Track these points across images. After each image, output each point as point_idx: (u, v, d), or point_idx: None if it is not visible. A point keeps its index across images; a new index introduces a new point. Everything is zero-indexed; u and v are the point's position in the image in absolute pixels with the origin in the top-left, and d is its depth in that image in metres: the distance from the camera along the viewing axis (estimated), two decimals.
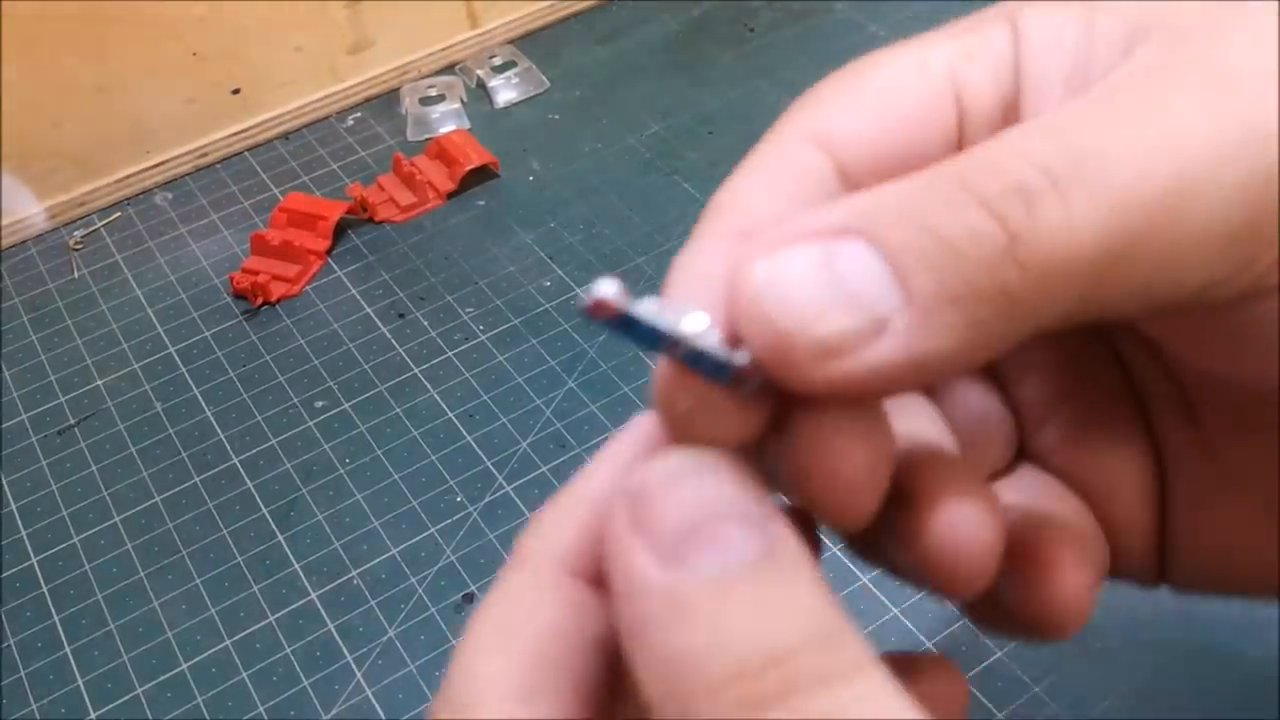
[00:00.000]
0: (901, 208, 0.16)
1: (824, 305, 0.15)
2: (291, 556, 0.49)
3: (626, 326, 0.16)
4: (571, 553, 0.18)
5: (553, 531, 0.19)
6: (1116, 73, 0.16)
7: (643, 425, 0.19)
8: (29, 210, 0.66)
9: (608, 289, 0.15)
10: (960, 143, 0.19)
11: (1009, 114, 0.19)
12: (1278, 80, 0.15)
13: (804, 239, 0.16)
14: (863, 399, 0.17)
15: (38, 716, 0.44)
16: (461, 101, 0.73)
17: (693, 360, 0.16)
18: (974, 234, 0.15)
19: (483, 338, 0.58)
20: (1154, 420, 0.22)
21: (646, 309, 0.16)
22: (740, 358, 0.16)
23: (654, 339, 0.16)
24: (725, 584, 0.15)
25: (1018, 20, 0.19)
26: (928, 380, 0.16)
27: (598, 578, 0.18)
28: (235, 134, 0.71)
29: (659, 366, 0.17)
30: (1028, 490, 0.21)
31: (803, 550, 0.15)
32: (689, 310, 0.16)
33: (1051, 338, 0.21)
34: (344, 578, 0.48)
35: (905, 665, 0.21)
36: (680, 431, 0.17)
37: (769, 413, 0.17)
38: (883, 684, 0.14)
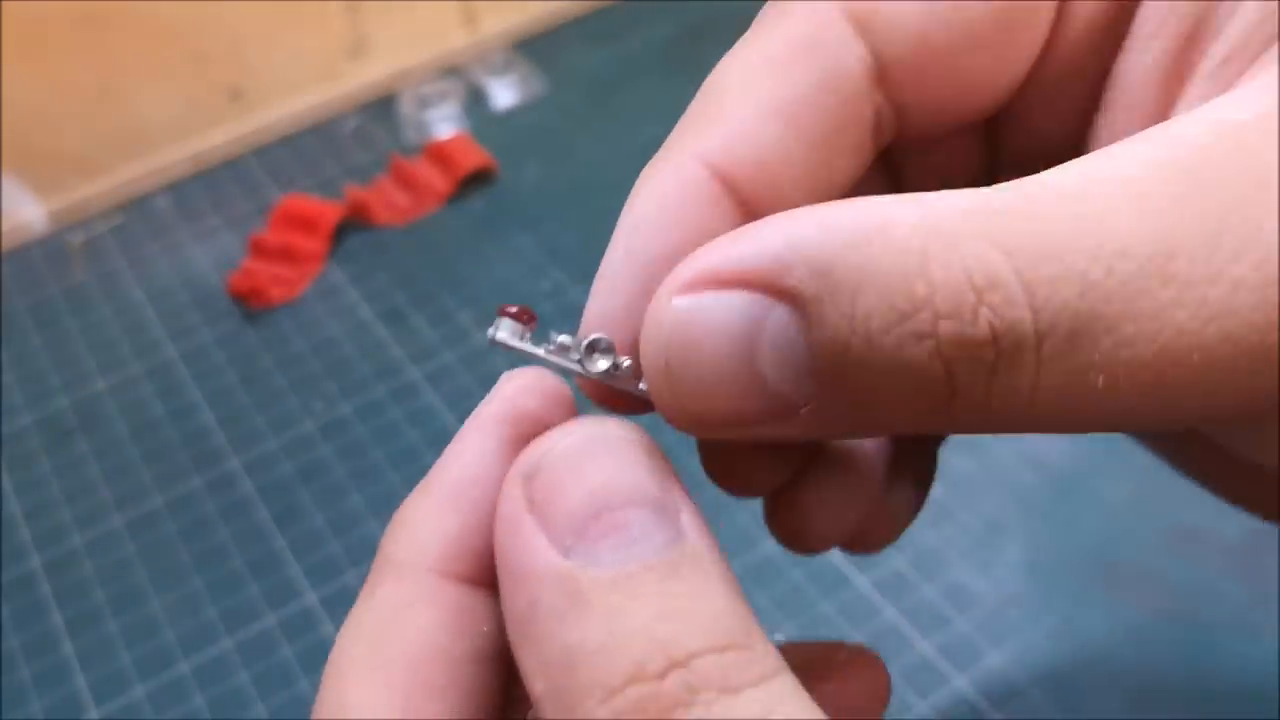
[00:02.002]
0: (843, 269, 0.14)
1: (734, 388, 0.14)
2: (291, 556, 0.49)
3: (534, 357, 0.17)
4: (447, 553, 0.17)
5: (422, 530, 0.17)
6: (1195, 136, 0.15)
7: (512, 391, 0.18)
8: (30, 212, 0.66)
9: (509, 326, 0.17)
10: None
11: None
12: None
13: (729, 285, 0.15)
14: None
15: (38, 716, 0.44)
16: (460, 104, 0.73)
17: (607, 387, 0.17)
18: (914, 367, 0.14)
19: (481, 340, 0.58)
20: None
21: (560, 341, 0.17)
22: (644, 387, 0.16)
23: (564, 373, 0.17)
24: (628, 576, 0.13)
25: None
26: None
27: (480, 576, 0.17)
28: (234, 136, 0.71)
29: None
30: None
31: (713, 543, 0.15)
32: (599, 340, 0.17)
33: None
34: (344, 578, 0.48)
35: (824, 656, 0.21)
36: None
37: None
38: (789, 692, 0.13)
